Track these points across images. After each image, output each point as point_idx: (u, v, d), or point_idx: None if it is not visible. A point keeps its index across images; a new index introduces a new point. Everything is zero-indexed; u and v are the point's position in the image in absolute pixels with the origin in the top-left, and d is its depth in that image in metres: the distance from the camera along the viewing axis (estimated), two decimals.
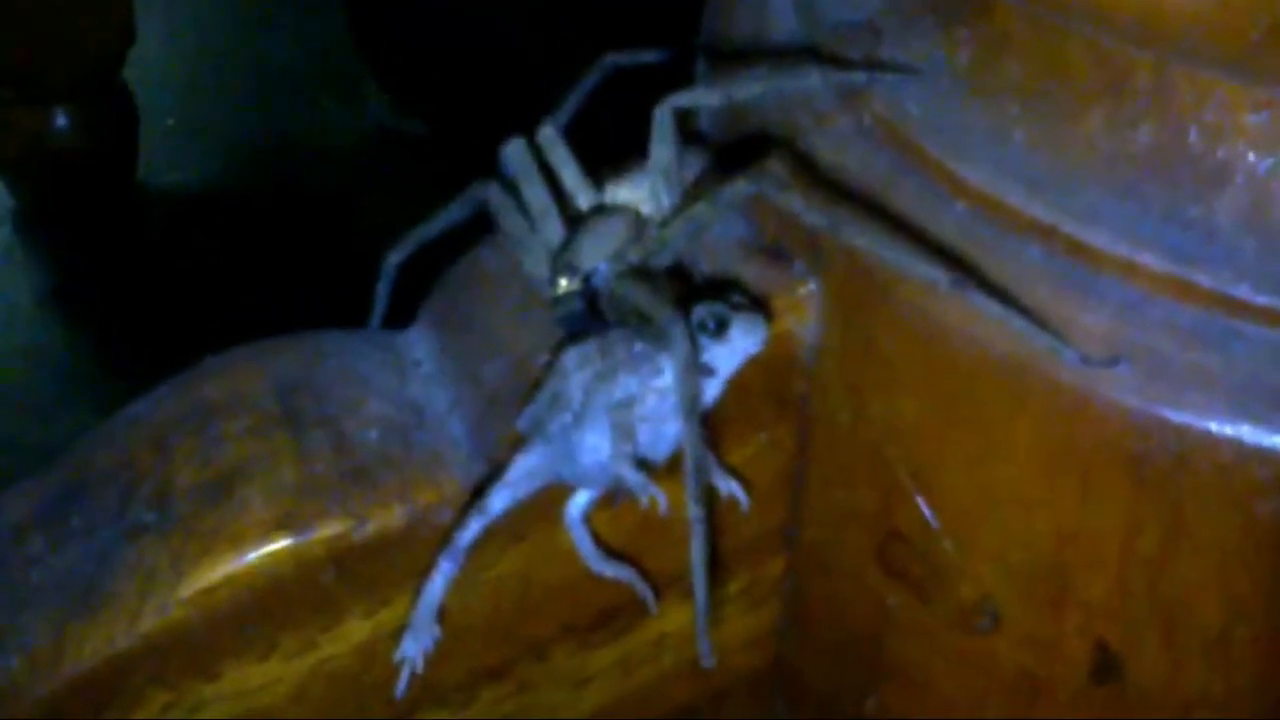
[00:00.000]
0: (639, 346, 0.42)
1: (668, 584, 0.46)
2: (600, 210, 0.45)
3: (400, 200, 0.51)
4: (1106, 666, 0.42)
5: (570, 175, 0.45)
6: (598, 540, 0.44)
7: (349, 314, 0.51)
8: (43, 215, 1.15)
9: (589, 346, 0.42)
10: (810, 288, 0.43)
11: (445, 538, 0.43)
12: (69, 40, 1.10)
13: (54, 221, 1.15)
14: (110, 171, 1.16)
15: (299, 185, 1.18)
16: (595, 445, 0.42)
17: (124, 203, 1.16)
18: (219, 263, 1.09)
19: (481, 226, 0.47)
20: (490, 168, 0.46)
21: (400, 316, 0.49)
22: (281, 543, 0.42)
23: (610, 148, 0.46)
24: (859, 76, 0.43)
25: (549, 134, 0.45)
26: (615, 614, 0.46)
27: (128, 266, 1.11)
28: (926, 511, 0.43)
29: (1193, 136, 0.39)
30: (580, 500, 0.44)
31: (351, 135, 1.22)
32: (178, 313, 1.02)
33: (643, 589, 0.45)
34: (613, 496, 0.43)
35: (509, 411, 0.43)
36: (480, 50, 1.16)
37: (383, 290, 0.50)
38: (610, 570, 0.44)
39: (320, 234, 1.10)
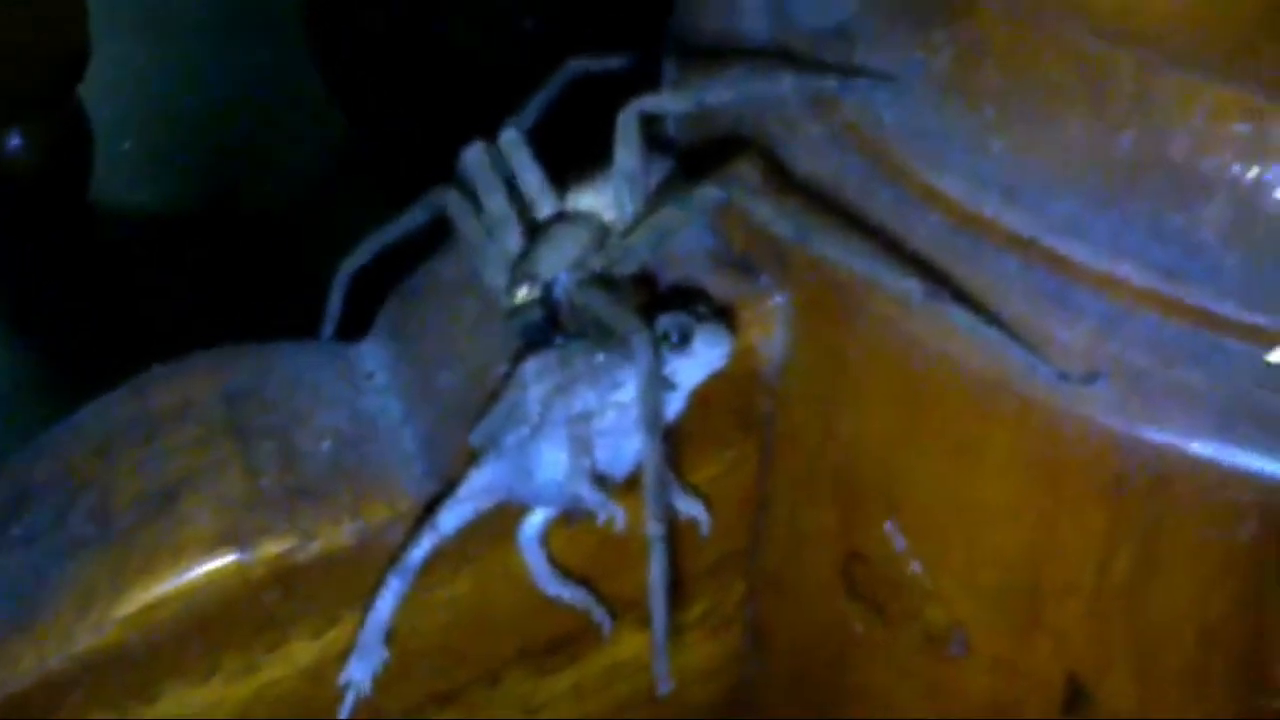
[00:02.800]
0: (600, 358, 0.40)
1: (624, 610, 0.44)
2: (562, 217, 0.43)
3: (360, 221, 0.49)
4: (1077, 695, 0.40)
5: (532, 181, 0.44)
6: (553, 562, 0.43)
7: (306, 335, 0.50)
8: None
9: (548, 358, 0.41)
10: (777, 300, 0.42)
11: (395, 556, 0.41)
12: (22, 59, 1.09)
13: (5, 240, 1.14)
14: (64, 191, 1.14)
15: (257, 206, 1.16)
16: (552, 460, 0.40)
17: (77, 223, 1.14)
18: (173, 283, 1.08)
19: (439, 235, 0.45)
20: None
21: (354, 328, 0.48)
22: (226, 559, 0.41)
23: (575, 156, 0.44)
24: (832, 83, 0.42)
25: (511, 138, 0.44)
26: (570, 640, 0.45)
27: (79, 286, 1.09)
28: (893, 532, 0.41)
29: (1175, 145, 0.38)
30: (535, 520, 0.42)
31: (311, 157, 1.21)
32: (130, 332, 1.00)
33: (599, 613, 0.44)
34: (569, 516, 0.42)
35: (464, 425, 0.42)
36: (441, 68, 1.15)
37: (336, 300, 0.49)
38: (565, 593, 0.43)
39: (278, 256, 1.09)
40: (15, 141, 1.11)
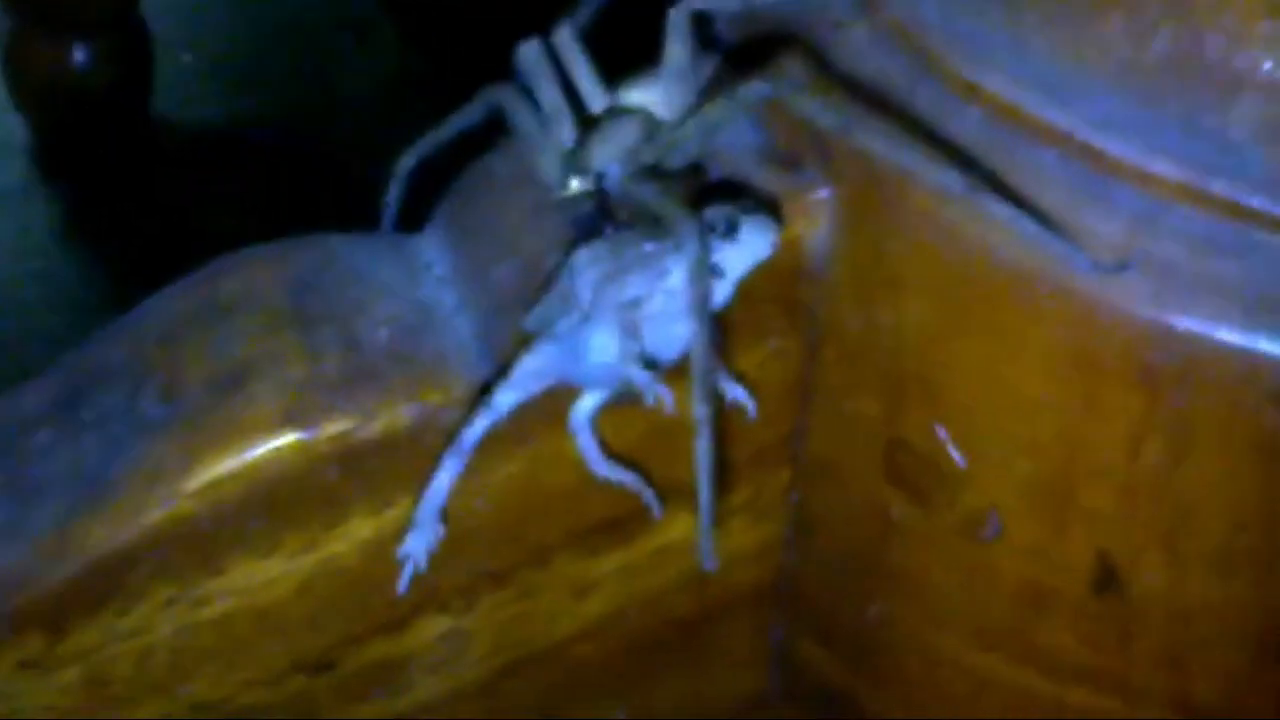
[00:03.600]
0: (649, 246, 0.41)
1: (672, 494, 0.46)
2: (614, 112, 0.44)
3: (413, 136, 0.51)
4: (1108, 577, 0.42)
5: (585, 77, 0.45)
6: (604, 445, 0.44)
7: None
8: (59, 148, 1.15)
9: (599, 246, 0.42)
10: (822, 194, 0.43)
11: (452, 437, 0.43)
12: None
13: (70, 155, 1.15)
14: (126, 106, 1.16)
15: (313, 126, 1.17)
16: (603, 345, 0.42)
17: (139, 137, 1.16)
18: (231, 198, 1.09)
19: (495, 134, 0.47)
20: None
21: (412, 223, 0.49)
22: (288, 438, 0.42)
23: (627, 54, 0.46)
24: None
25: (565, 35, 0.45)
26: (619, 522, 0.46)
27: (141, 200, 1.11)
28: (934, 420, 0.43)
29: (1209, 43, 0.39)
30: (586, 403, 0.44)
31: (368, 78, 1.22)
32: (188, 246, 1.02)
33: (647, 494, 0.45)
34: (619, 398, 0.43)
35: (518, 313, 0.43)
36: None
37: (395, 194, 0.50)
38: (614, 475, 0.44)
39: (334, 174, 1.10)
40: (80, 55, 1.13)
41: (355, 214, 0.52)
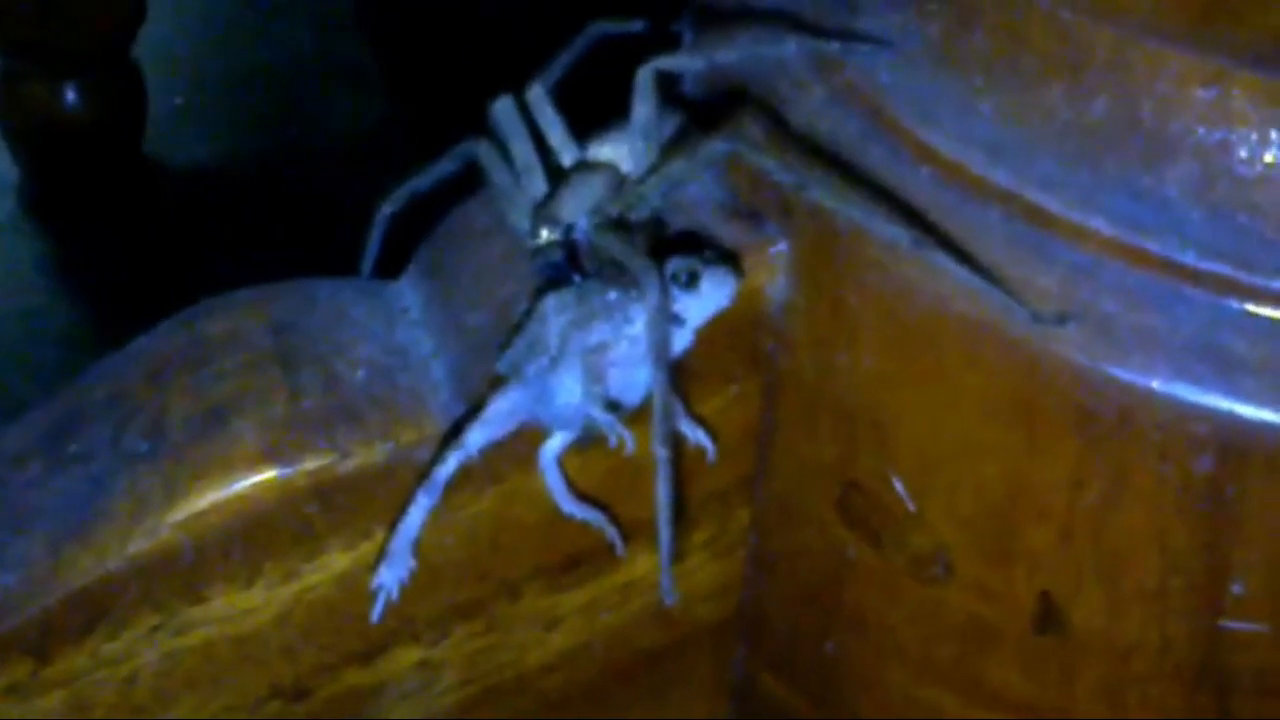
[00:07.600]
0: (614, 295, 0.44)
1: (636, 531, 0.47)
2: (582, 166, 0.46)
3: (398, 178, 0.53)
4: (1050, 615, 0.43)
5: (555, 133, 0.47)
6: (570, 483, 0.46)
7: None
8: (49, 188, 1.17)
9: (567, 294, 0.44)
10: (780, 247, 0.45)
11: (425, 473, 0.44)
12: (80, 15, 1.12)
13: (60, 194, 1.17)
14: (117, 146, 1.18)
15: (302, 168, 1.19)
16: (569, 388, 0.44)
17: (129, 177, 1.17)
18: (220, 239, 1.11)
19: (471, 182, 0.49)
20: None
21: (390, 268, 0.51)
22: (269, 473, 0.44)
23: (595, 110, 0.48)
24: (833, 46, 0.45)
25: (537, 93, 0.47)
26: (586, 557, 0.48)
27: (130, 239, 1.13)
28: (885, 464, 0.44)
29: (1146, 109, 0.41)
30: (554, 443, 0.45)
31: (356, 122, 1.24)
32: (177, 285, 1.03)
33: (611, 532, 0.47)
34: (585, 440, 0.45)
35: (490, 356, 0.45)
36: (486, 41, 1.18)
37: (374, 240, 0.52)
38: (580, 512, 0.46)
39: (321, 215, 1.12)
40: (71, 96, 1.15)
41: (340, 253, 0.54)
